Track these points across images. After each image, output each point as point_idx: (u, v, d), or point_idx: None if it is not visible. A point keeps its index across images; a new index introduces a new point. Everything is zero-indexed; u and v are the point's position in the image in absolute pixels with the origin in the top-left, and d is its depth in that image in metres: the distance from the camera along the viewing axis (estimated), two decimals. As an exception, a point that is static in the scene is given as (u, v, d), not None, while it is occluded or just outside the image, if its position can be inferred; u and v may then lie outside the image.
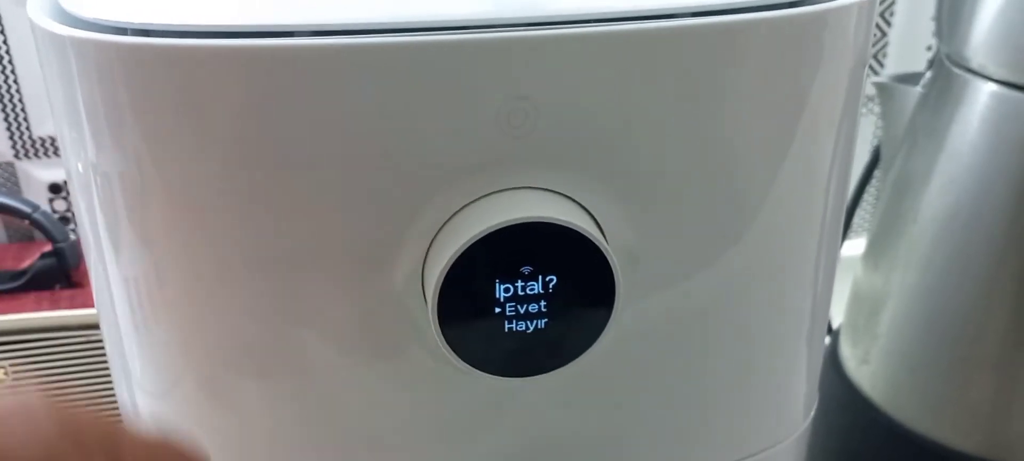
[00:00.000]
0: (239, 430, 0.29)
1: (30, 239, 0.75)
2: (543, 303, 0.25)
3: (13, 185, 0.75)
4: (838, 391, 0.60)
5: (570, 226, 0.24)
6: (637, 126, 0.26)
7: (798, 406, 0.35)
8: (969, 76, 0.50)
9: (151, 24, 0.23)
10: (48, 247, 0.65)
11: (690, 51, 0.25)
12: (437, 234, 0.25)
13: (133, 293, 0.27)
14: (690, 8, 0.25)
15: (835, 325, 0.66)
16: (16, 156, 0.73)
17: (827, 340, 0.66)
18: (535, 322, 0.25)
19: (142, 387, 0.29)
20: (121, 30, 0.23)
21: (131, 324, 0.28)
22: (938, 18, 0.54)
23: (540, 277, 0.25)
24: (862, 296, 0.59)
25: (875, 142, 0.67)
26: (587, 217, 0.26)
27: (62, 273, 0.66)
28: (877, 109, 0.65)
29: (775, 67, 0.27)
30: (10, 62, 0.70)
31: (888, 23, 0.82)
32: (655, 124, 0.26)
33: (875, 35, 0.82)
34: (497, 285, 0.24)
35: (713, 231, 0.28)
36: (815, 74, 0.28)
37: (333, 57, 0.23)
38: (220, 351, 0.27)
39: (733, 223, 0.29)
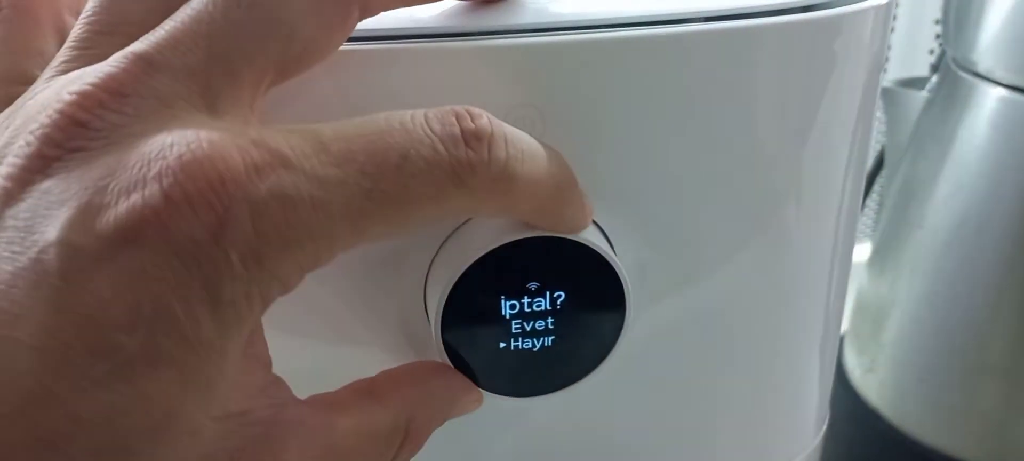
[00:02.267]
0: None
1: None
2: (550, 320, 0.24)
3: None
4: (843, 400, 0.59)
5: (578, 240, 0.23)
6: (647, 134, 0.25)
7: (810, 422, 0.35)
8: (976, 80, 0.50)
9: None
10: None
11: (701, 57, 0.24)
12: (440, 250, 0.24)
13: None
14: (702, 13, 0.24)
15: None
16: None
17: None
18: (542, 340, 0.24)
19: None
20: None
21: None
22: (945, 22, 0.53)
23: (547, 293, 0.24)
24: (867, 304, 0.59)
25: (879, 146, 0.66)
26: (595, 229, 0.25)
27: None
28: (881, 113, 0.65)
29: (789, 73, 0.26)
30: None
31: (891, 27, 0.82)
32: (665, 132, 0.25)
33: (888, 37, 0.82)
34: (503, 302, 0.23)
35: (726, 240, 0.28)
36: (829, 79, 0.27)
37: (335, 62, 0.22)
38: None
39: (746, 231, 0.28)
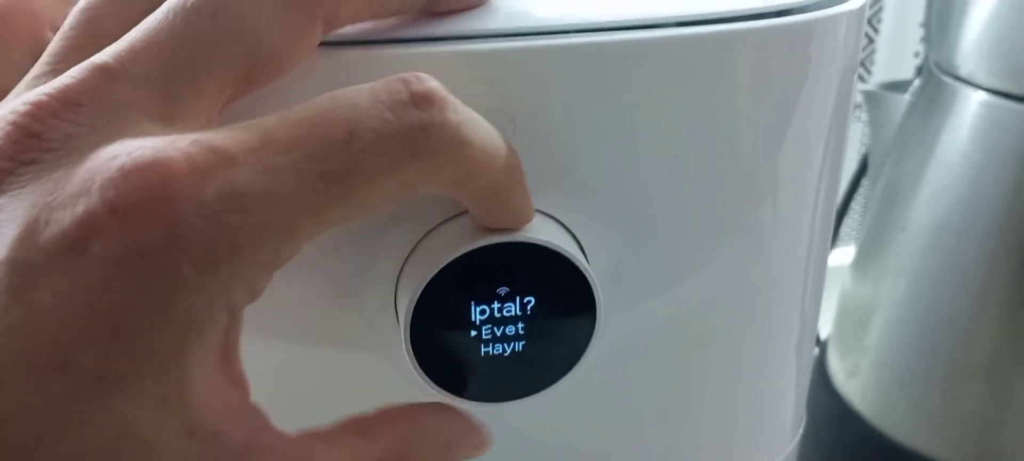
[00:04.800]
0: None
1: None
2: (520, 325, 0.24)
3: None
4: (826, 404, 0.59)
5: (548, 246, 0.23)
6: (620, 139, 0.25)
7: (786, 425, 0.34)
8: (958, 84, 0.50)
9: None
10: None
11: (674, 63, 0.24)
12: (411, 254, 0.24)
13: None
14: (675, 18, 0.24)
15: (823, 336, 0.65)
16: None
17: (815, 351, 0.66)
18: (513, 345, 0.24)
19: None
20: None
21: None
22: (927, 25, 0.54)
23: (517, 298, 0.24)
24: (850, 307, 0.59)
25: (863, 150, 0.66)
26: (567, 235, 0.25)
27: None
28: (865, 116, 0.65)
29: (763, 77, 0.26)
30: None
31: (875, 30, 0.82)
32: (639, 137, 0.25)
33: (862, 42, 0.82)
34: (472, 307, 0.23)
35: (700, 244, 0.27)
36: (803, 83, 0.27)
37: (305, 68, 0.22)
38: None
39: (721, 235, 0.28)
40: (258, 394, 0.26)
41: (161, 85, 0.17)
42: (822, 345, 0.64)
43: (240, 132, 0.17)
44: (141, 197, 0.15)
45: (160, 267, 0.16)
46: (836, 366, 0.60)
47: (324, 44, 0.22)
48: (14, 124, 0.17)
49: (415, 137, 0.18)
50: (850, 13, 0.27)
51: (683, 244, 0.27)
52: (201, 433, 0.17)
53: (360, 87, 0.18)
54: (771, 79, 0.26)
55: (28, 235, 0.16)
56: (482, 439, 0.23)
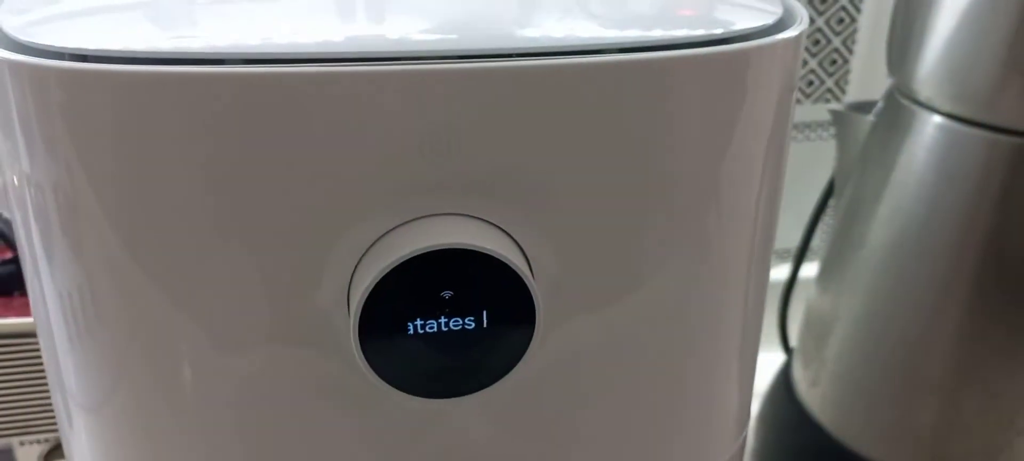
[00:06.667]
0: (170, 445, 0.29)
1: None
2: (464, 327, 0.26)
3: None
4: (789, 413, 0.61)
5: (493, 254, 0.25)
6: (562, 159, 0.26)
7: (729, 426, 0.36)
8: (917, 108, 0.52)
9: (87, 49, 0.24)
10: (9, 254, 0.66)
11: (615, 88, 0.26)
12: (364, 256, 0.26)
13: (67, 306, 0.28)
14: (616, 44, 0.26)
15: (793, 344, 0.67)
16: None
17: (784, 359, 0.67)
18: (455, 345, 0.26)
19: (76, 400, 0.30)
20: (58, 55, 0.24)
21: (65, 336, 0.28)
22: (889, 51, 0.55)
23: (462, 302, 0.25)
24: (813, 319, 0.60)
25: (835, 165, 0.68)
26: (510, 243, 0.26)
27: (23, 280, 0.66)
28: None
29: (702, 102, 0.27)
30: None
31: (850, 51, 0.84)
32: (580, 157, 0.26)
33: (837, 62, 0.84)
34: (419, 308, 0.25)
35: (640, 258, 0.29)
36: (741, 107, 0.28)
37: (263, 85, 0.24)
38: (151, 367, 0.28)
39: (662, 247, 0.29)
40: (218, 389, 0.28)
41: None
42: (790, 354, 0.66)
43: None
44: None
45: None
46: (800, 376, 0.62)
47: (272, 62, 0.23)
48: None
49: None
50: (787, 41, 0.29)
51: (625, 258, 0.29)
52: None
53: None
54: (710, 103, 0.28)
55: None
56: None
